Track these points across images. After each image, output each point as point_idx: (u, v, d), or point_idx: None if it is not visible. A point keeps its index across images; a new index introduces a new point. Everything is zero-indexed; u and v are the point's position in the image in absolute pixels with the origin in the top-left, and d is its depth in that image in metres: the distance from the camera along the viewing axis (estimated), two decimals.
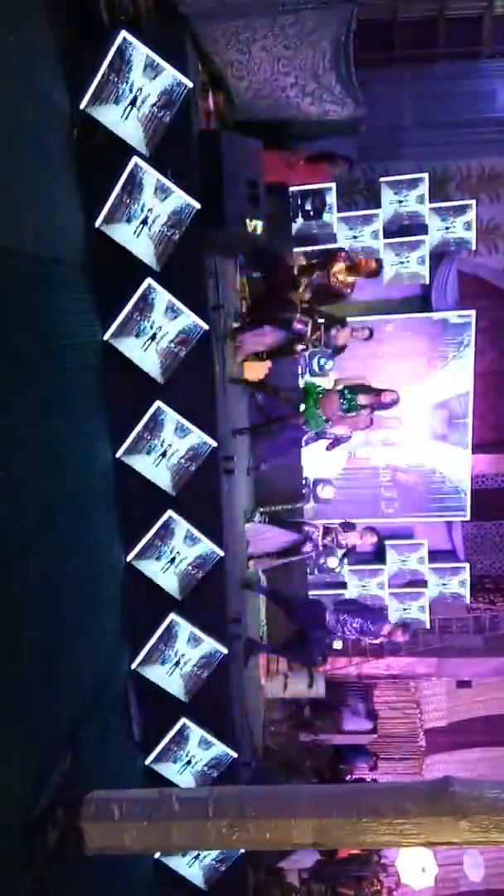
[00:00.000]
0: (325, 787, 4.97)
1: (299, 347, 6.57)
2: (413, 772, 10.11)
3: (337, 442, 6.80)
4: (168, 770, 5.12)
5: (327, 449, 6.93)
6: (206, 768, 5.15)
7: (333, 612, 6.45)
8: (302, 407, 6.54)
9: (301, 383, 6.96)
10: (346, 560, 8.08)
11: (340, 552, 7.16)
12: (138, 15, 4.33)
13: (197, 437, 4.84)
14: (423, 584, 8.81)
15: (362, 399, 6.32)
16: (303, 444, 7.03)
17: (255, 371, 7.02)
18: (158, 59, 4.23)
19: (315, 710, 8.79)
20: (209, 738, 5.08)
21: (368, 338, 6.81)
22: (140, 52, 4.18)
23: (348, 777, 8.76)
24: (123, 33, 4.13)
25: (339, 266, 6.40)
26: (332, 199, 7.91)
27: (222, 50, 5.27)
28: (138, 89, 4.26)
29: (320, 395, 6.44)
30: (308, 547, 6.81)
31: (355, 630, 6.41)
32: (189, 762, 5.11)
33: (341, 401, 6.34)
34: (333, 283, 6.41)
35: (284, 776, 7.36)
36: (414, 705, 10.23)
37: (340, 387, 6.48)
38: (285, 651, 7.01)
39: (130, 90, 4.25)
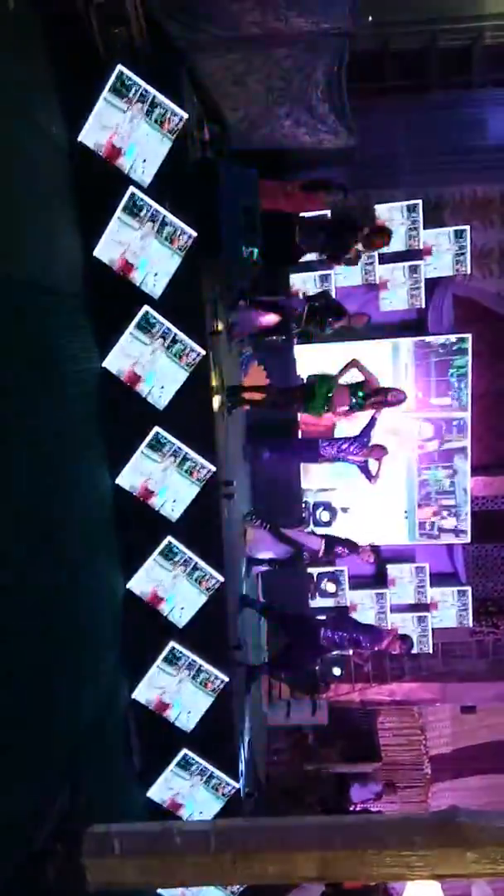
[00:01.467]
0: (329, 819, 4.85)
1: (294, 328, 6.54)
2: (419, 800, 9.94)
3: (367, 473, 6.74)
4: (169, 801, 5.03)
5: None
6: (208, 799, 5.06)
7: (329, 626, 6.37)
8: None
9: (306, 377, 6.85)
10: (345, 581, 8.05)
11: (338, 569, 7.10)
12: (134, 48, 4.42)
13: (196, 461, 4.83)
14: (426, 607, 8.74)
15: (370, 398, 6.35)
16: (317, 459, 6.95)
17: (257, 376, 7.04)
18: (155, 92, 4.31)
19: (319, 739, 8.68)
20: (211, 768, 5.00)
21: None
22: (136, 85, 4.26)
23: (353, 807, 8.60)
24: (120, 66, 4.21)
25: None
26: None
27: (218, 82, 5.37)
28: (134, 121, 4.33)
29: (330, 393, 6.36)
30: (306, 556, 6.76)
31: (349, 642, 6.33)
32: (190, 793, 5.02)
33: (352, 398, 6.32)
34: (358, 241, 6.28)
35: (288, 807, 7.23)
36: (418, 731, 10.08)
37: (351, 382, 6.42)
38: (278, 666, 6.92)
39: (127, 121, 4.33)
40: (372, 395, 6.34)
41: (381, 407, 6.50)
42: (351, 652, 8.62)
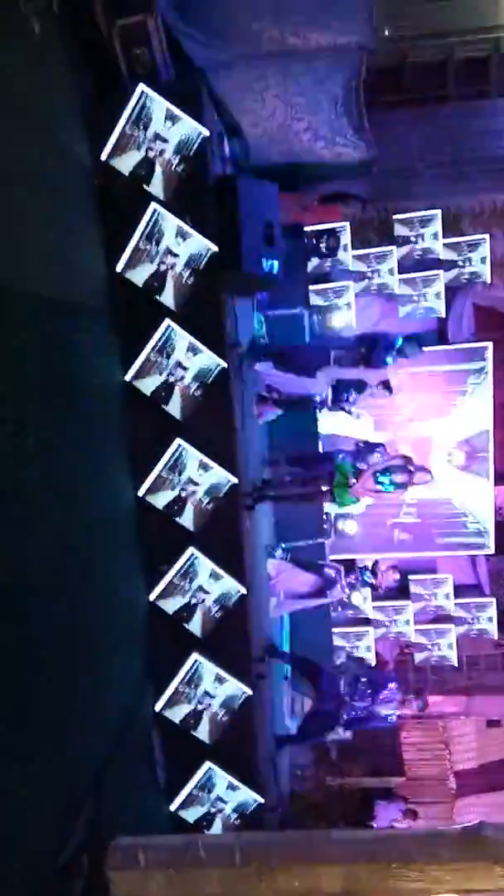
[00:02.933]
0: (354, 833, 4.82)
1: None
2: (444, 816, 9.77)
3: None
4: (193, 815, 5.02)
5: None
6: (232, 814, 5.04)
7: (346, 686, 6.34)
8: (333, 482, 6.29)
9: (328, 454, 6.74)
10: (368, 597, 7.98)
11: (365, 589, 7.07)
12: (155, 68, 4.50)
13: (218, 473, 4.86)
14: (449, 620, 8.63)
15: (398, 479, 6.21)
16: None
17: None
18: (176, 110, 4.39)
19: (342, 753, 8.59)
20: (235, 782, 4.99)
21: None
22: (158, 103, 4.34)
23: (377, 822, 8.49)
24: (142, 86, 4.30)
25: None
26: (346, 237, 8.02)
27: (237, 99, 5.45)
28: (157, 139, 4.41)
29: (352, 480, 6.20)
30: (336, 590, 6.71)
31: (362, 711, 6.32)
32: (215, 807, 5.01)
33: (377, 484, 6.22)
34: None
35: (312, 822, 7.16)
36: (443, 746, 9.93)
37: (375, 469, 6.30)
38: (303, 734, 6.90)
39: (149, 140, 4.40)
40: (394, 473, 6.25)
41: (408, 487, 6.39)
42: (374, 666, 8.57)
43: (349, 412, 6.57)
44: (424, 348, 7.93)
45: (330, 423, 7.66)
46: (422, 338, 6.34)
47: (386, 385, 6.26)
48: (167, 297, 4.67)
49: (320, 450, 7.41)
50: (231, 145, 5.61)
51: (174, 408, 4.81)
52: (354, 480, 6.15)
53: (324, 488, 6.28)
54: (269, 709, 5.96)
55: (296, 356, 6.31)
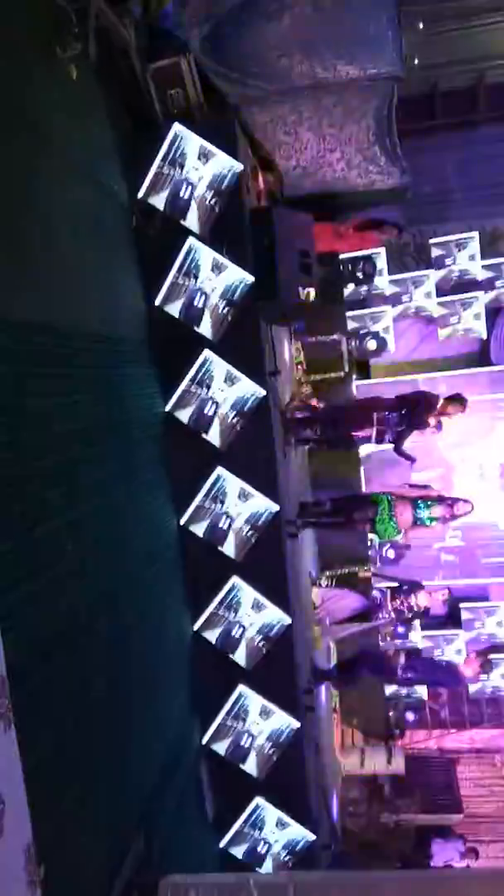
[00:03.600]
0: (411, 873, 4.64)
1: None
2: None
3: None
4: (243, 852, 4.90)
5: None
6: (283, 851, 4.90)
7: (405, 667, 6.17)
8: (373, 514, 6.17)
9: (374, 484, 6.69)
10: (418, 623, 7.79)
11: (413, 618, 6.88)
12: (190, 107, 4.63)
13: (259, 501, 4.84)
14: (503, 649, 8.36)
15: (436, 512, 6.08)
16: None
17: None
18: (210, 147, 4.48)
19: (396, 789, 8.32)
20: (285, 818, 4.86)
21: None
22: (193, 142, 4.45)
23: (434, 861, 8.15)
24: (176, 125, 4.42)
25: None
26: (381, 263, 8.05)
27: (270, 134, 5.55)
28: (192, 175, 4.51)
29: (392, 506, 6.08)
30: (383, 614, 6.59)
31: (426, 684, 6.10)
32: (265, 844, 4.88)
33: (416, 511, 6.11)
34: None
35: (366, 860, 6.92)
36: (501, 782, 9.54)
37: (413, 496, 6.22)
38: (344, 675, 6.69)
39: (185, 177, 4.51)
40: (434, 505, 6.11)
41: (449, 521, 6.26)
42: (426, 697, 8.33)
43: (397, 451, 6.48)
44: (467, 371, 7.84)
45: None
46: (462, 397, 6.26)
47: (438, 420, 6.18)
48: (205, 328, 4.73)
49: (362, 488, 7.35)
50: (265, 178, 5.70)
51: (214, 436, 4.83)
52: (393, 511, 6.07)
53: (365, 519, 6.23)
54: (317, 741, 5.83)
55: (340, 420, 6.29)
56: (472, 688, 8.25)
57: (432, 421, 6.10)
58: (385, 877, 3.88)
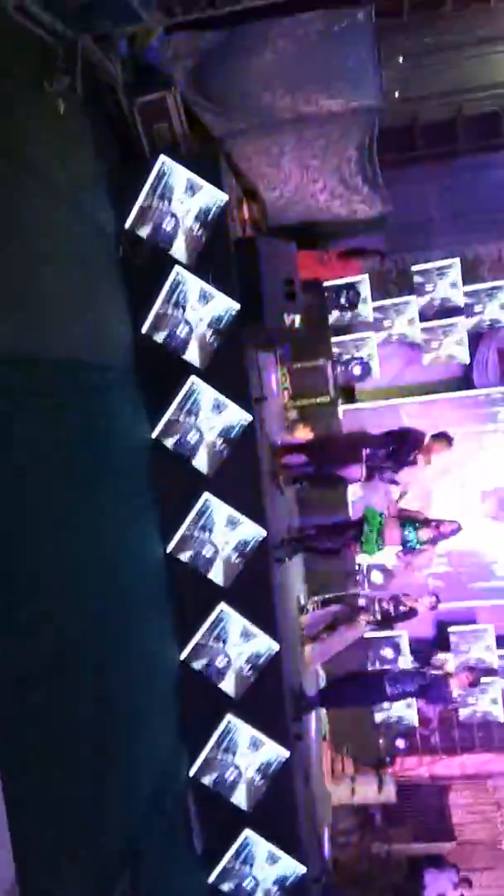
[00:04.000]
0: None
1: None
2: (499, 884, 9.21)
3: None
4: (233, 886, 4.80)
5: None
6: (273, 886, 4.81)
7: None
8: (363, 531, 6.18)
9: (360, 509, 6.73)
10: (405, 646, 7.77)
11: (399, 619, 6.80)
12: (176, 140, 4.72)
13: (247, 528, 4.83)
14: (493, 673, 8.33)
15: (424, 535, 6.08)
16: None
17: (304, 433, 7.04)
18: (196, 178, 4.56)
19: (387, 818, 8.21)
20: (275, 851, 4.78)
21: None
22: (179, 173, 4.53)
23: (427, 893, 8.03)
24: (163, 157, 4.50)
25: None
26: (365, 290, 8.16)
27: (254, 165, 5.65)
28: (178, 207, 4.58)
29: (381, 526, 6.09)
30: (369, 615, 6.53)
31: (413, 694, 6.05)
32: (254, 879, 4.79)
33: (405, 533, 6.12)
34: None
35: (358, 893, 6.80)
36: (494, 808, 9.44)
37: (402, 518, 6.21)
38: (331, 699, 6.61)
39: (171, 208, 4.58)
40: (422, 527, 6.15)
41: (437, 542, 6.25)
42: (416, 723, 8.26)
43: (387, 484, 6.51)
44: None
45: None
46: (448, 434, 6.32)
47: (426, 457, 6.22)
48: (192, 355, 4.76)
49: (350, 514, 7.37)
50: (250, 208, 5.79)
51: (201, 463, 4.84)
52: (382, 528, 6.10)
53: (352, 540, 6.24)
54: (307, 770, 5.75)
55: (328, 456, 6.34)
56: (463, 713, 8.22)
57: (419, 458, 6.15)
58: None
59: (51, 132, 3.76)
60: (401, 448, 6.07)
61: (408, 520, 6.16)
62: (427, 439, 6.14)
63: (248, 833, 4.76)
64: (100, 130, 4.41)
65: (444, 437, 6.24)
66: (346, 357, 8.14)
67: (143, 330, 4.67)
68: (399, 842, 8.17)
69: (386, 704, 7.78)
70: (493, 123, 8.86)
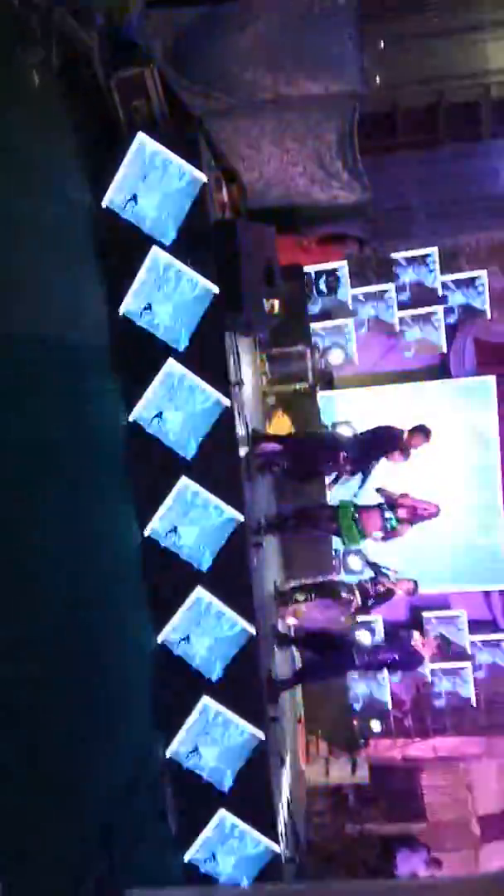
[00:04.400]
0: (377, 883, 4.64)
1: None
2: (468, 863, 9.40)
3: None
4: (207, 866, 4.85)
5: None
6: (247, 864, 4.86)
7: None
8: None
9: (332, 501, 6.69)
10: (380, 631, 7.85)
11: (377, 600, 6.85)
12: (154, 118, 4.65)
13: (224, 512, 4.83)
14: (465, 657, 8.47)
15: (402, 513, 6.13)
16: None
17: (281, 426, 7.03)
18: (174, 158, 4.50)
19: (360, 798, 8.33)
20: (249, 831, 4.83)
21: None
22: (157, 152, 4.47)
23: (399, 872, 8.17)
24: (140, 136, 4.43)
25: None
26: (344, 277, 8.16)
27: (233, 146, 5.60)
28: (156, 186, 4.52)
29: (355, 516, 6.18)
30: (348, 593, 6.58)
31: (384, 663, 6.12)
32: (229, 858, 4.83)
33: (385, 516, 6.14)
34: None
35: (330, 871, 6.90)
36: (464, 789, 9.62)
37: (379, 501, 6.25)
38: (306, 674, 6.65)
39: (148, 188, 4.52)
40: (402, 509, 6.16)
41: (414, 522, 6.26)
42: (390, 706, 8.36)
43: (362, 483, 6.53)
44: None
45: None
46: (426, 427, 6.33)
47: (404, 451, 6.23)
48: (169, 338, 4.72)
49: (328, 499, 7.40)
50: (229, 190, 5.75)
51: (178, 447, 4.82)
52: (358, 517, 6.13)
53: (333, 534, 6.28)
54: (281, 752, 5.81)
55: (306, 455, 6.34)
56: (436, 697, 8.34)
57: (397, 455, 6.18)
58: (350, 887, 3.88)
59: (25, 106, 3.68)
60: (380, 447, 6.11)
61: (387, 501, 6.21)
62: (405, 434, 6.17)
63: (222, 813, 4.80)
64: (76, 106, 4.33)
65: (421, 431, 6.25)
66: (324, 344, 8.16)
67: (121, 311, 4.62)
68: (372, 822, 8.31)
69: (361, 685, 7.88)
70: (475, 112, 8.87)
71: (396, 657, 6.25)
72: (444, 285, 8.25)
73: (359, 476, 6.42)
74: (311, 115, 5.65)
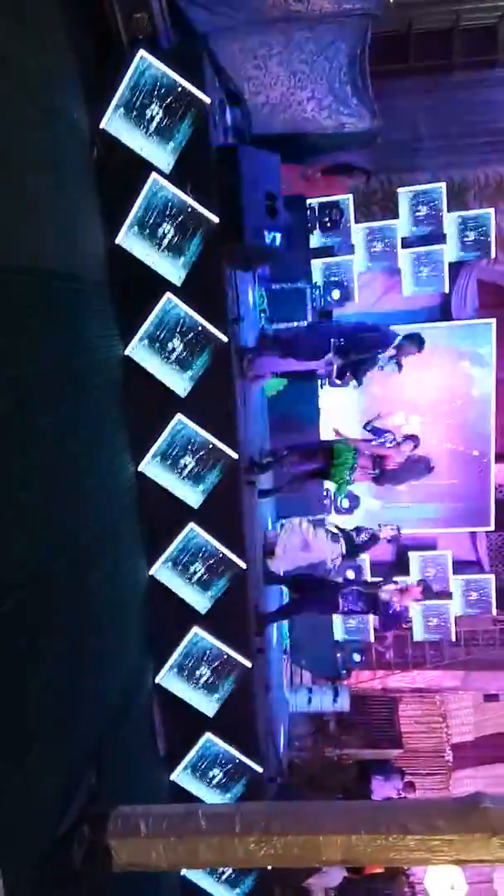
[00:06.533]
0: (353, 804, 4.89)
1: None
2: (440, 787, 9.94)
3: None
4: (193, 785, 5.09)
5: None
6: (231, 784, 5.11)
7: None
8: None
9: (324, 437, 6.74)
10: (366, 570, 8.02)
11: (362, 546, 6.97)
12: (156, 33, 4.38)
13: (218, 449, 4.84)
14: (448, 595, 8.70)
15: (389, 464, 6.27)
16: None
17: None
18: (176, 77, 4.28)
19: (340, 725, 8.70)
20: (234, 753, 5.05)
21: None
22: (158, 70, 4.24)
23: (374, 797, 8.63)
24: (142, 52, 4.19)
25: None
26: (349, 210, 7.93)
27: (239, 66, 5.31)
28: (157, 107, 4.31)
29: (354, 461, 6.16)
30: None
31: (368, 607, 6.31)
32: (214, 777, 5.07)
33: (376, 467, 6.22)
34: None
35: (310, 792, 7.27)
36: (440, 719, 10.07)
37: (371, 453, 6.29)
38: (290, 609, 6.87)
39: (149, 108, 4.31)
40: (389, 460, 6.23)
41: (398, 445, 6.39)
42: (372, 639, 8.63)
43: (358, 384, 6.52)
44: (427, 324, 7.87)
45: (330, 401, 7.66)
46: (421, 337, 6.30)
47: (397, 361, 6.24)
48: (167, 270, 4.61)
49: (320, 434, 7.40)
50: (233, 113, 5.50)
51: (174, 383, 4.77)
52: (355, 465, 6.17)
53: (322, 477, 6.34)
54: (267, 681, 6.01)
55: (297, 347, 6.27)
56: (417, 632, 8.59)
57: (389, 353, 6.17)
58: (328, 806, 4.08)
59: (18, 16, 3.45)
60: (370, 338, 6.10)
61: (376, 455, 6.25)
62: (398, 339, 6.17)
63: (208, 736, 5.00)
64: (74, 18, 4.06)
65: (415, 338, 6.26)
66: (325, 281, 7.99)
67: (117, 240, 4.48)
68: (350, 747, 8.71)
69: (346, 619, 8.11)
70: (491, 38, 8.48)
71: (378, 619, 6.42)
72: (450, 223, 8.01)
73: (353, 383, 6.44)
74: (323, 35, 5.36)
